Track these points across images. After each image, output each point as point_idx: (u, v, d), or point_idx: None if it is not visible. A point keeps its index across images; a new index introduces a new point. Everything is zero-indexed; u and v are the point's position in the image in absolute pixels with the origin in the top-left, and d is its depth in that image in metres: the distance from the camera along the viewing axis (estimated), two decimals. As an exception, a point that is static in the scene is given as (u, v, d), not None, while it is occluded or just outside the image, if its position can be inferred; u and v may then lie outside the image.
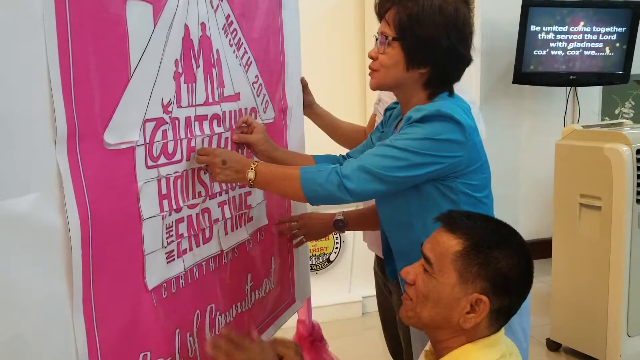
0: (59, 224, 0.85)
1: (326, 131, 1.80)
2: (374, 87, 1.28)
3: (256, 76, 1.45)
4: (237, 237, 1.38)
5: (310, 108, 1.76)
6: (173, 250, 1.13)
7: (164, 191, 1.10)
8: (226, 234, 1.34)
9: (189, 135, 1.18)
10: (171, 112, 1.11)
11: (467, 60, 1.25)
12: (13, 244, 0.78)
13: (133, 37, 0.98)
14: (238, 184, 1.35)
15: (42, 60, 0.81)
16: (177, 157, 1.14)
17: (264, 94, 1.50)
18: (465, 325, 0.95)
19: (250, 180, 1.21)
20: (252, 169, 1.21)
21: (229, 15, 1.31)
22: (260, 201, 1.49)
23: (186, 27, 1.14)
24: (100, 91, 0.91)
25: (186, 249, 1.18)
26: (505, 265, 0.94)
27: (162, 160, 1.10)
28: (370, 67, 1.29)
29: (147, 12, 1.03)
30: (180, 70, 1.13)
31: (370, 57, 1.27)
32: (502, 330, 1.00)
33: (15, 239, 0.78)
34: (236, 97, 1.36)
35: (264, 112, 1.50)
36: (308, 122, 1.78)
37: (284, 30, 1.59)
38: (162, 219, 1.09)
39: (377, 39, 1.24)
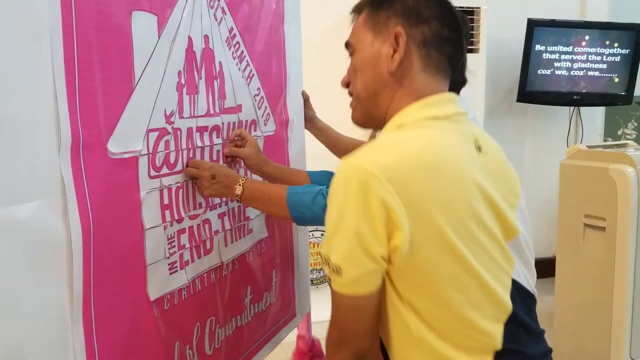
0: (60, 232, 0.84)
1: (327, 145, 1.81)
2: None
3: (258, 89, 1.46)
4: (237, 248, 1.38)
5: (311, 122, 1.76)
6: (175, 261, 1.13)
7: (165, 201, 1.10)
8: (226, 245, 1.33)
9: (190, 146, 1.18)
10: (173, 122, 1.11)
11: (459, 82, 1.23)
12: (13, 251, 0.78)
13: (138, 47, 0.99)
14: None
15: (47, 68, 0.81)
16: (179, 167, 1.15)
17: (266, 107, 1.51)
18: (393, 66, 0.88)
19: (237, 196, 1.20)
20: (240, 184, 1.20)
21: (232, 28, 1.33)
22: (259, 213, 1.49)
23: (190, 38, 1.15)
24: (104, 100, 0.92)
25: (188, 260, 1.18)
26: None
27: (165, 170, 1.10)
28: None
29: (151, 23, 1.04)
30: (183, 81, 1.14)
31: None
32: (454, 96, 0.91)
33: (16, 246, 0.78)
34: (237, 109, 1.36)
35: (265, 125, 1.51)
36: (309, 136, 1.78)
37: (286, 44, 1.61)
38: (164, 229, 1.09)
39: None
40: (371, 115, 0.94)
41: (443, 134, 0.85)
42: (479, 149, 0.88)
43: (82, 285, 0.87)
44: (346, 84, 0.97)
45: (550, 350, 1.03)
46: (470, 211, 0.80)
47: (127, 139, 0.98)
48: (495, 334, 0.84)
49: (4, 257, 0.76)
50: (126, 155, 0.98)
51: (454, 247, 0.79)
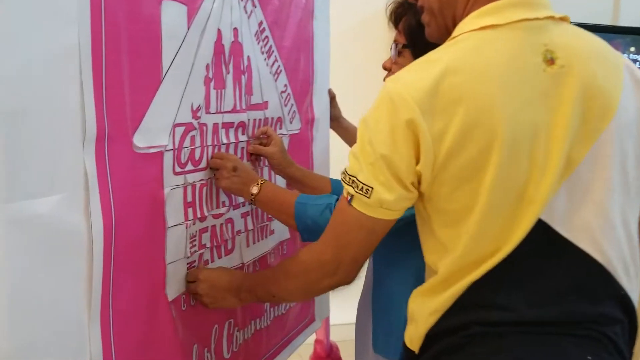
0: (81, 227, 0.81)
1: (352, 146, 1.75)
2: None
3: (285, 85, 1.42)
4: (259, 249, 1.34)
5: (336, 121, 1.72)
6: (195, 261, 1.09)
7: (189, 199, 1.06)
8: (248, 246, 1.29)
9: (215, 142, 1.14)
10: (200, 117, 1.07)
11: None
12: (31, 246, 0.74)
13: (166, 38, 0.95)
14: None
15: (74, 58, 0.77)
16: (203, 164, 1.11)
17: (292, 104, 1.47)
18: None
19: (252, 195, 1.13)
20: (257, 184, 1.14)
21: (261, 22, 1.28)
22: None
23: (219, 31, 1.11)
24: (132, 92, 0.88)
25: (207, 260, 1.14)
26: None
27: (189, 167, 1.06)
28: (384, 80, 1.23)
29: (181, 13, 1.00)
30: (210, 75, 1.10)
31: (384, 69, 1.22)
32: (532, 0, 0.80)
33: (35, 241, 0.74)
34: (264, 105, 1.32)
35: (290, 123, 1.47)
36: (334, 135, 1.74)
37: (314, 41, 1.56)
38: (186, 227, 1.05)
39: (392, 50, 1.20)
40: (447, 28, 0.86)
41: (490, 46, 0.76)
42: (549, 61, 0.75)
43: (102, 284, 0.84)
44: None
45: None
46: (500, 144, 0.72)
47: (153, 133, 0.94)
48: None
49: (22, 253, 0.73)
50: (152, 150, 0.94)
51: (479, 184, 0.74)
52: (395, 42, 1.17)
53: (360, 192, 0.77)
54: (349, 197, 0.80)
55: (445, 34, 0.86)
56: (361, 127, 0.80)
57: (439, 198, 0.77)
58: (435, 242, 0.80)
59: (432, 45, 1.04)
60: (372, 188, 0.76)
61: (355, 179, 0.78)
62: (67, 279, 0.79)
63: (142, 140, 0.92)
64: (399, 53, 1.15)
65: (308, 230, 1.10)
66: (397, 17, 1.18)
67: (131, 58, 0.88)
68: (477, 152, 0.73)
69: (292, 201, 1.11)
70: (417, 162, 0.75)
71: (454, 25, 0.84)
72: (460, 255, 0.76)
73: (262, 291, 1.01)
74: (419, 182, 0.77)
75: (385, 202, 0.76)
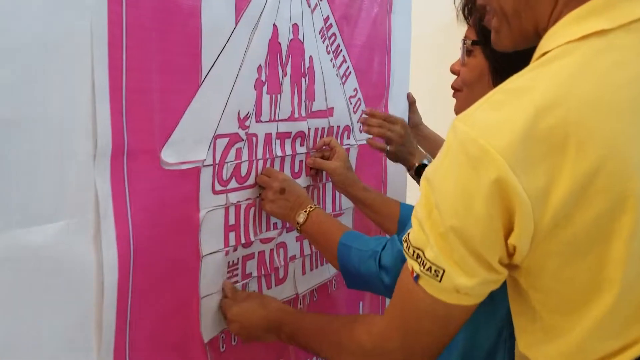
0: (90, 260, 0.68)
1: (433, 155, 1.54)
2: (458, 113, 0.90)
3: (355, 90, 1.24)
4: (316, 277, 1.17)
5: (416, 129, 1.51)
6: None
7: (231, 221, 0.91)
8: (304, 274, 1.13)
9: (267, 156, 0.98)
10: (248, 127, 0.92)
11: None
12: (29, 282, 0.61)
13: (208, 34, 0.81)
14: None
15: (84, 52, 0.64)
16: (251, 181, 0.95)
17: (363, 111, 1.28)
18: None
19: (298, 224, 0.96)
20: (306, 211, 0.96)
21: (328, 17, 1.11)
22: (348, 235, 1.27)
23: (275, 27, 0.95)
24: (161, 98, 0.74)
25: (254, 291, 0.98)
26: None
27: (233, 184, 0.91)
28: (452, 87, 1.00)
29: (228, 6, 0.85)
30: (263, 78, 0.94)
31: (452, 72, 0.99)
32: None
33: (33, 276, 0.62)
34: (328, 112, 1.15)
35: (360, 132, 1.28)
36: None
37: (392, 38, 1.37)
38: (226, 254, 0.90)
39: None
40: (525, 35, 0.62)
41: (603, 62, 0.52)
42: None
43: (115, 329, 0.70)
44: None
45: None
46: (637, 199, 0.50)
47: (187, 146, 0.80)
48: None
49: (15, 293, 0.60)
50: (185, 167, 0.80)
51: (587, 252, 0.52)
52: (465, 38, 0.92)
53: (428, 273, 0.56)
54: (415, 275, 0.58)
55: (521, 42, 0.63)
56: (425, 186, 0.58)
57: (541, 273, 0.55)
58: (533, 324, 0.59)
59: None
60: (443, 270, 0.55)
61: (421, 253, 0.57)
62: (71, 324, 0.66)
63: (173, 154, 0.77)
64: (469, 52, 0.91)
65: (351, 277, 0.92)
66: (469, 7, 0.92)
67: (161, 57, 0.74)
68: (600, 213, 0.50)
69: (336, 240, 0.92)
70: (509, 234, 0.53)
71: (536, 29, 0.60)
72: (572, 352, 0.55)
73: (304, 344, 0.83)
74: (511, 254, 0.55)
75: (463, 287, 0.56)
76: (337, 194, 1.20)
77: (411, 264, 0.59)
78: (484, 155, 0.51)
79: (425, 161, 1.23)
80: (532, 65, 0.56)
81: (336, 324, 0.75)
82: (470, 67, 0.91)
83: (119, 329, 0.71)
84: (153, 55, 0.73)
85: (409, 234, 0.60)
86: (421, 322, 0.60)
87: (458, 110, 0.97)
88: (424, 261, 0.57)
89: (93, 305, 0.68)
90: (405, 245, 0.60)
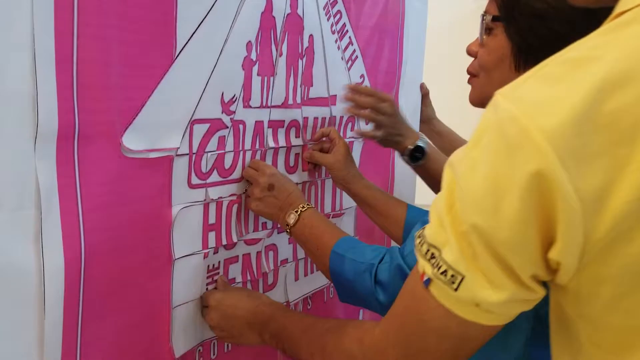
0: (29, 264, 0.56)
1: (447, 154, 1.41)
2: (473, 102, 0.82)
3: (361, 76, 1.12)
4: (311, 284, 1.05)
5: (429, 124, 1.38)
6: (217, 301, 0.82)
7: (211, 220, 0.80)
8: (296, 279, 1.01)
9: (257, 147, 0.86)
10: (234, 112, 0.80)
11: None
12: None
13: (185, 1, 0.69)
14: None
15: (23, 13, 0.53)
16: (236, 174, 0.84)
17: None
18: None
19: (288, 225, 0.84)
20: (297, 211, 0.84)
21: (333, -8, 0.99)
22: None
23: (269, -1, 0.84)
24: (122, 72, 0.63)
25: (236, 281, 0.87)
26: None
27: (215, 177, 0.79)
28: (467, 71, 0.85)
29: (211, -30, 0.73)
30: (253, 57, 0.82)
31: (469, 54, 0.84)
32: None
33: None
34: (330, 100, 1.03)
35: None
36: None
37: (405, 23, 1.24)
38: (204, 257, 0.79)
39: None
40: None
41: None
42: None
43: (62, 349, 0.59)
44: None
45: None
46: None
47: (156, 131, 0.68)
48: None
49: None
50: (153, 155, 0.69)
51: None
52: (485, 13, 0.76)
53: (442, 278, 0.44)
54: (425, 278, 0.46)
55: None
56: (448, 174, 0.46)
57: (593, 301, 0.42)
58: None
59: (542, 20, 0.66)
60: (462, 277, 0.43)
61: (436, 253, 0.45)
62: (5, 347, 0.55)
63: (138, 140, 0.66)
64: (489, 30, 0.74)
65: (344, 290, 0.80)
66: None
67: (124, 21, 0.62)
68: None
69: (329, 247, 0.80)
70: (548, 246, 0.40)
71: None
72: None
73: (288, 348, 0.71)
74: (554, 270, 0.42)
75: (485, 302, 0.43)
76: (338, 191, 1.08)
77: (422, 264, 0.46)
78: (524, 139, 0.38)
79: (419, 143, 1.07)
80: (601, 29, 0.42)
81: (325, 326, 0.64)
82: (489, 49, 0.76)
83: (67, 352, 0.59)
84: (114, 19, 0.61)
85: (424, 228, 0.47)
86: (426, 338, 0.48)
87: (473, 99, 0.83)
88: (438, 263, 0.44)
89: (34, 324, 0.57)
90: (418, 241, 0.47)
